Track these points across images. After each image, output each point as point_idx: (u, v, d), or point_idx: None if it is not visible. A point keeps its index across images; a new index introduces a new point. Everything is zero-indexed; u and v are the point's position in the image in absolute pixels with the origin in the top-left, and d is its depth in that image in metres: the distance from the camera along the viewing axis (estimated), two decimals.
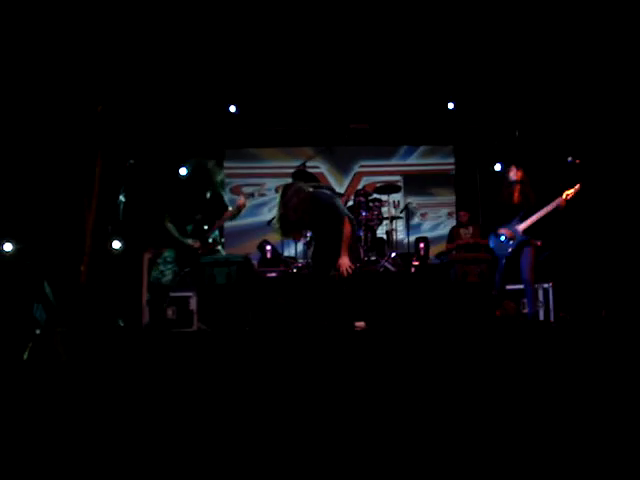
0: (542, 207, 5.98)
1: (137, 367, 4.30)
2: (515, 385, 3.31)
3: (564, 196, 5.89)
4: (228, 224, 8.07)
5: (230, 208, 5.77)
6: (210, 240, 5.70)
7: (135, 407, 3.04)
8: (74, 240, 8.24)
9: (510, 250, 6.10)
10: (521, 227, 6.06)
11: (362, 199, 8.48)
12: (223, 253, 5.90)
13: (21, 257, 7.37)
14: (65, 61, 7.89)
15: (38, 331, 5.49)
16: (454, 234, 8.69)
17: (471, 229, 8.55)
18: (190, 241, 5.61)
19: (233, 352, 4.85)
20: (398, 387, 3.31)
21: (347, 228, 5.14)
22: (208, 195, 5.73)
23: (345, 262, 5.10)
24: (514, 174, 6.21)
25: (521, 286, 6.31)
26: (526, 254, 6.07)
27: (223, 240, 6.00)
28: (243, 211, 5.89)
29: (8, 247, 7.40)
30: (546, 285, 6.85)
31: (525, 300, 6.34)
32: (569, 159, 6.40)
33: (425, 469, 2.07)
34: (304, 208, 5.05)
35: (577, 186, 5.92)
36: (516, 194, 6.17)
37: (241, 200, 5.71)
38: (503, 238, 6.15)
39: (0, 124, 7.82)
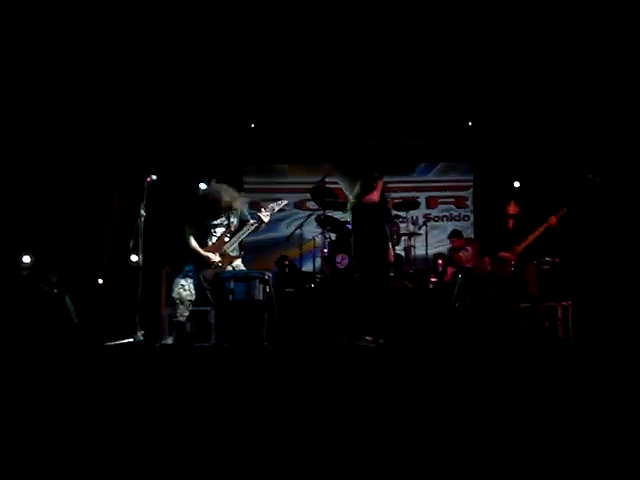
0: (535, 229, 6.40)
1: (155, 380, 4.34)
2: (526, 399, 3.30)
3: (553, 219, 6.30)
4: (247, 239, 8.11)
5: (252, 221, 5.79)
6: (230, 252, 5.73)
7: (146, 418, 3.07)
8: (92, 253, 8.36)
9: (512, 269, 6.47)
10: (519, 248, 6.45)
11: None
12: (243, 267, 5.93)
13: (39, 269, 7.47)
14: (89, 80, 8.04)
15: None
16: (454, 257, 8.64)
17: (470, 249, 8.47)
18: (211, 255, 5.65)
19: (250, 367, 4.87)
20: (409, 401, 3.32)
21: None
22: (233, 220, 5.82)
23: (392, 252, 6.40)
24: (512, 209, 6.71)
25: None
26: (528, 273, 6.49)
27: (242, 253, 6.01)
28: (264, 227, 5.92)
29: (27, 259, 7.51)
30: (565, 303, 6.83)
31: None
32: (589, 176, 6.53)
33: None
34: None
35: (564, 210, 6.33)
36: (511, 225, 6.70)
37: (263, 215, 5.74)
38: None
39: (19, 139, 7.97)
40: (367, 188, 6.32)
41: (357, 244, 6.42)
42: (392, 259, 6.40)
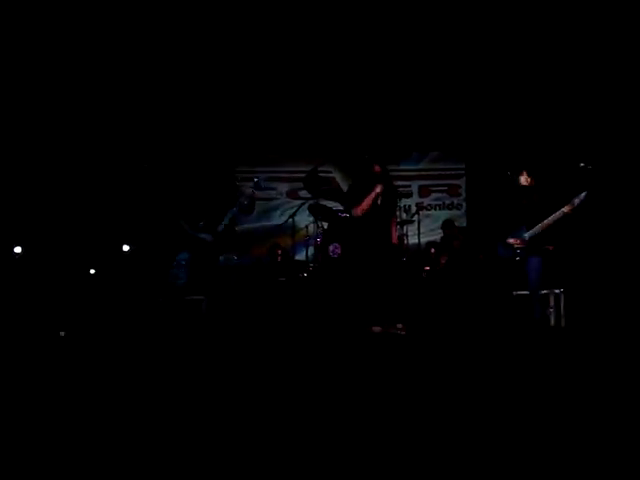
0: (549, 214, 5.88)
1: (148, 368, 4.33)
2: (519, 386, 3.31)
3: (571, 204, 5.77)
4: (239, 227, 8.10)
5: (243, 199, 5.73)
6: (221, 228, 5.70)
7: (140, 407, 3.06)
8: (83, 244, 8.33)
9: (518, 258, 6.08)
10: (528, 235, 6.01)
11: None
12: (234, 257, 5.91)
13: (31, 259, 7.44)
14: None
15: (62, 333, 5.55)
16: (447, 245, 8.62)
17: (462, 238, 8.48)
18: (203, 235, 5.62)
19: (243, 354, 4.88)
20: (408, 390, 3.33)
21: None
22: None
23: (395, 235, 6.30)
24: (525, 180, 6.19)
25: (527, 292, 6.27)
26: (533, 261, 6.01)
27: (236, 228, 5.95)
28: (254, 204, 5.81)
29: (18, 250, 7.49)
30: (557, 291, 6.82)
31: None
32: (581, 164, 6.38)
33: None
34: None
35: (584, 193, 5.77)
36: (524, 201, 6.15)
37: (250, 190, 5.65)
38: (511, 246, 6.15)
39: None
40: (357, 196, 6.02)
41: (359, 245, 6.18)
42: (396, 240, 6.26)
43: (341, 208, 8.38)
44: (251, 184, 5.74)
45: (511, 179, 6.29)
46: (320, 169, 9.19)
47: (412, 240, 9.15)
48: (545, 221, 5.91)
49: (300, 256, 9.37)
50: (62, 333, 6.04)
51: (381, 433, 2.49)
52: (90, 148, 8.70)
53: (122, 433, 2.59)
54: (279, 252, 9.11)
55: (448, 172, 10.96)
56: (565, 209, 5.80)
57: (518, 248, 6.11)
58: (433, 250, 8.92)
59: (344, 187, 10.68)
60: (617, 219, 7.77)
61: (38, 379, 3.93)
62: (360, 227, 6.09)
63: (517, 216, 6.18)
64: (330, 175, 10.54)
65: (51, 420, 2.84)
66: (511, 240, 6.15)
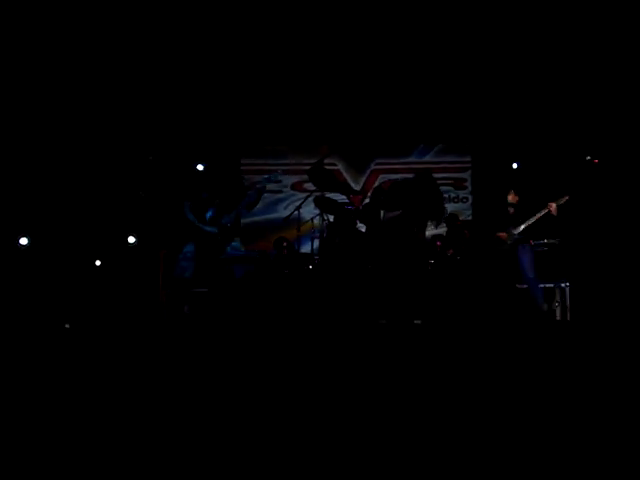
0: (534, 214, 6.52)
1: (154, 361, 4.34)
2: (524, 380, 3.30)
3: (554, 206, 6.36)
4: (245, 220, 8.09)
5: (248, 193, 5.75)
6: (226, 221, 5.72)
7: (148, 401, 3.07)
8: (89, 236, 8.34)
9: (507, 249, 6.65)
10: (515, 231, 6.62)
11: (381, 197, 8.44)
12: (241, 247, 5.91)
13: (37, 251, 7.45)
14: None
15: (67, 325, 5.57)
16: (453, 238, 8.60)
17: (466, 233, 8.48)
18: (209, 228, 5.63)
19: (250, 347, 4.88)
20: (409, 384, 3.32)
21: None
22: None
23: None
24: (512, 198, 6.86)
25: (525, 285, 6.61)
26: (524, 254, 6.56)
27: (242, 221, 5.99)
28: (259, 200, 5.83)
29: (24, 241, 7.50)
30: (563, 284, 6.84)
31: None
32: (587, 158, 6.52)
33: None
34: None
35: (566, 197, 6.38)
36: (511, 212, 6.83)
37: (261, 185, 5.65)
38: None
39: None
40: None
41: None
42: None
43: (347, 200, 8.36)
44: (265, 176, 5.71)
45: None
46: (325, 161, 9.15)
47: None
48: (530, 219, 6.54)
49: (306, 249, 9.36)
50: (67, 325, 6.07)
51: (385, 425, 2.49)
52: (97, 141, 8.72)
53: (122, 428, 2.59)
54: (285, 245, 9.10)
55: (454, 165, 10.92)
56: (548, 208, 6.41)
57: (505, 241, 6.65)
58: (439, 243, 8.89)
59: (349, 179, 10.69)
60: (621, 213, 7.76)
61: (41, 371, 3.95)
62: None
63: (507, 219, 6.81)
64: (335, 167, 10.51)
65: (52, 413, 2.85)
66: (500, 234, 6.74)
